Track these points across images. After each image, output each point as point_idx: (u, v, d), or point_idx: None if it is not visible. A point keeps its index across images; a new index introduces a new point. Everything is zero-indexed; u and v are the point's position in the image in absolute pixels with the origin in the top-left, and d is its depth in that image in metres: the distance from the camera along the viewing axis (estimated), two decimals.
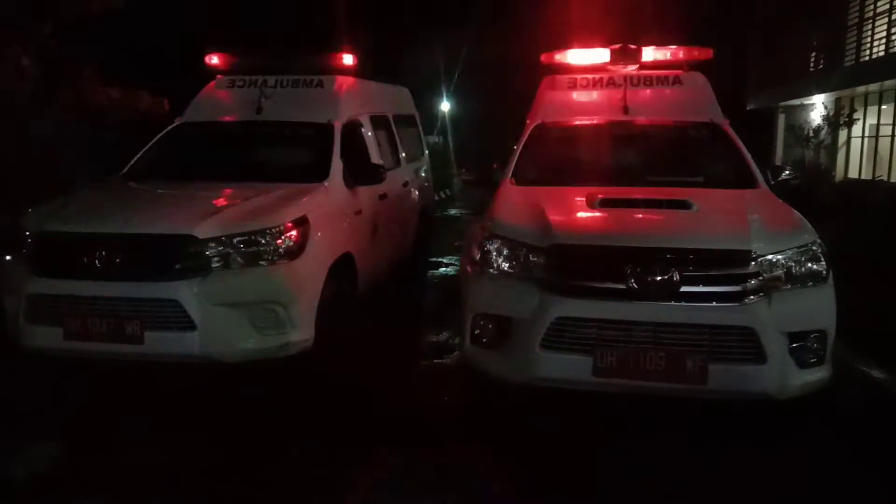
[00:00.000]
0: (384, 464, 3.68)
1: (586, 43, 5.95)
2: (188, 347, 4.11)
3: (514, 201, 4.60)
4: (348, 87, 6.18)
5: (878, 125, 19.97)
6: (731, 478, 3.57)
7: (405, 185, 7.05)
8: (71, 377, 4.64)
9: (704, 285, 3.60)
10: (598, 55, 5.78)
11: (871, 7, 19.66)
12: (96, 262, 4.16)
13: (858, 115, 20.05)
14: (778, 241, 3.74)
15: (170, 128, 5.87)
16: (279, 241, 4.34)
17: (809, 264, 3.74)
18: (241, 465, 3.68)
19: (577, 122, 5.61)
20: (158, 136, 5.77)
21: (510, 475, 3.60)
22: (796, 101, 24.84)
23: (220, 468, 3.65)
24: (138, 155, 5.60)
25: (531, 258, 3.83)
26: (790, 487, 3.51)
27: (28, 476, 3.60)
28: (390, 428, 4.11)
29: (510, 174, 5.10)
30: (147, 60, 12.22)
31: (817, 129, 20.81)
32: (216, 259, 4.20)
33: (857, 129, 20.61)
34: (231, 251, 4.23)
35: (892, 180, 18.51)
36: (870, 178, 19.19)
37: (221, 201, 4.65)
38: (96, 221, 4.41)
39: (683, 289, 3.57)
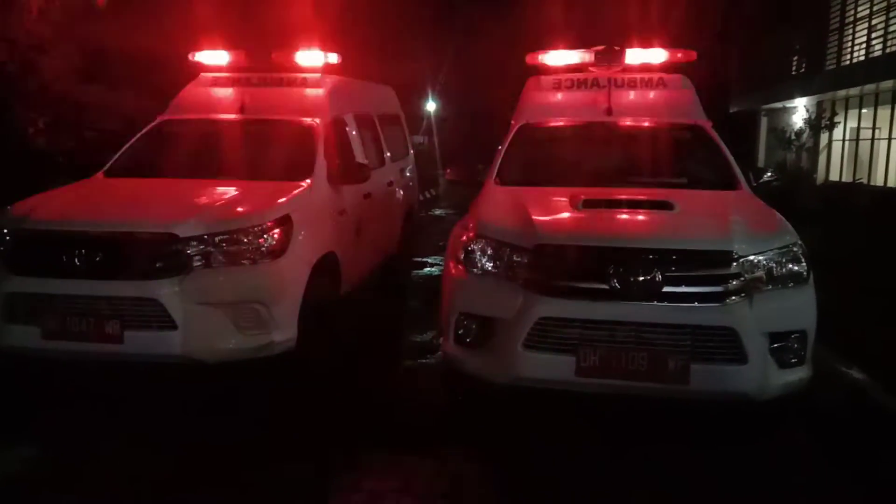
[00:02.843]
0: (366, 466, 3.66)
1: (571, 44, 5.97)
2: (169, 347, 4.07)
3: (498, 201, 4.60)
4: (333, 86, 6.14)
5: (858, 129, 20.22)
6: (716, 478, 3.60)
7: (390, 184, 7.03)
8: (52, 377, 4.59)
9: (686, 286, 3.62)
10: (583, 56, 5.80)
11: (852, 12, 19.90)
12: (76, 260, 4.10)
13: (839, 118, 20.30)
14: (759, 243, 3.77)
15: (152, 125, 5.81)
16: (261, 239, 4.31)
17: (790, 265, 3.77)
18: (223, 467, 3.65)
19: (562, 123, 5.63)
20: (140, 134, 5.70)
21: (494, 477, 3.60)
22: (778, 105, 25.10)
23: (201, 471, 3.61)
24: (119, 152, 5.53)
25: (515, 258, 3.83)
26: (768, 488, 3.54)
27: (4, 479, 3.55)
28: (372, 428, 4.10)
29: (494, 174, 5.10)
30: (130, 58, 12.11)
31: (799, 132, 21.04)
32: (198, 258, 4.15)
33: (837, 133, 20.86)
34: (213, 250, 4.19)
35: (872, 183, 18.75)
36: (850, 180, 19.43)
37: (203, 199, 4.61)
38: (76, 219, 4.35)
39: (666, 289, 3.59)
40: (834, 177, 21.06)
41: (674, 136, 5.47)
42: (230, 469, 3.62)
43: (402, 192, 7.51)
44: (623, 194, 4.53)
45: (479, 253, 3.97)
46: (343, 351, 5.22)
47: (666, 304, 3.59)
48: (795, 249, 3.82)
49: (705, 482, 3.56)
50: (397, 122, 8.24)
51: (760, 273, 3.70)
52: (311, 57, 6.13)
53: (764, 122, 27.35)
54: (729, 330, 3.53)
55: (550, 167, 5.35)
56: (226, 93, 6.01)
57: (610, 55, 5.74)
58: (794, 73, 24.09)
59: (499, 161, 5.23)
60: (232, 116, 5.78)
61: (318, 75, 6.12)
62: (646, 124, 5.53)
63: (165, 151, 5.67)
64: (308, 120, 5.59)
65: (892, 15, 17.63)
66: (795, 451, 3.95)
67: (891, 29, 17.57)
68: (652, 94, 5.72)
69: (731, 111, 28.42)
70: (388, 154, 7.22)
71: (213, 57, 6.17)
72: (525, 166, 5.29)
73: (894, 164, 18.05)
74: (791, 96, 23.30)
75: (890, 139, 18.13)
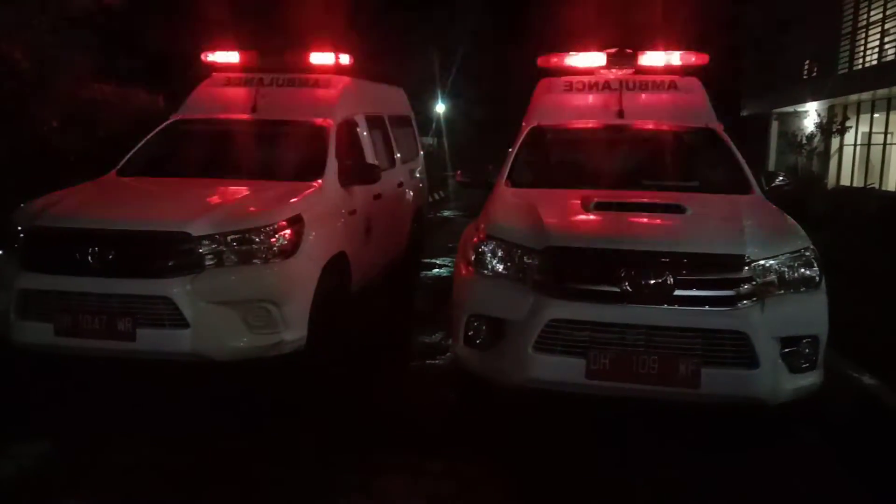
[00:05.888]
0: (375, 466, 3.66)
1: (583, 46, 5.96)
2: (180, 345, 4.09)
3: (509, 203, 4.61)
4: (344, 87, 6.16)
5: (870, 133, 20.10)
6: (725, 483, 3.59)
7: (400, 185, 7.04)
8: (64, 373, 4.62)
9: (698, 289, 3.61)
10: (595, 59, 5.80)
11: (865, 16, 19.79)
12: (88, 258, 4.13)
13: (851, 122, 20.19)
14: (771, 247, 3.76)
15: (165, 124, 5.84)
16: (273, 239, 4.32)
17: (802, 270, 3.76)
18: (233, 465, 3.66)
19: (573, 126, 5.62)
20: (153, 133, 5.73)
21: (503, 478, 3.60)
22: (790, 108, 24.99)
23: (210, 469, 3.63)
24: (132, 151, 5.57)
25: (525, 260, 3.83)
26: (777, 492, 3.53)
27: (17, 474, 3.57)
28: (382, 429, 4.10)
29: (505, 176, 5.10)
30: (143, 57, 12.18)
31: (810, 137, 20.93)
32: (210, 257, 4.18)
33: (849, 137, 20.75)
34: (225, 249, 4.21)
35: (884, 188, 18.63)
36: (861, 185, 19.29)
37: (216, 199, 4.63)
38: (89, 217, 4.38)
39: (677, 292, 3.58)
40: (845, 181, 20.93)
41: (686, 140, 5.46)
42: (239, 467, 3.63)
43: (411, 194, 7.52)
44: (635, 197, 4.53)
45: (489, 254, 3.97)
46: (352, 351, 5.23)
47: (677, 307, 3.58)
48: (808, 254, 3.81)
49: (715, 486, 3.55)
50: (408, 124, 8.26)
51: (772, 277, 3.69)
52: (323, 58, 6.16)
53: (775, 125, 27.23)
54: (740, 334, 3.52)
55: (561, 169, 5.35)
56: (238, 93, 6.03)
57: (622, 58, 5.74)
58: (805, 76, 23.96)
59: (510, 163, 5.23)
60: (244, 117, 5.81)
61: (329, 76, 6.14)
62: (658, 127, 5.52)
63: (178, 151, 5.71)
64: (320, 121, 5.61)
65: None
66: (806, 455, 3.93)
67: None
68: (664, 97, 5.69)
69: (742, 114, 28.30)
70: (399, 155, 7.24)
71: (226, 57, 6.21)
72: (536, 168, 5.29)
73: None
74: (802, 100, 23.19)
75: None
